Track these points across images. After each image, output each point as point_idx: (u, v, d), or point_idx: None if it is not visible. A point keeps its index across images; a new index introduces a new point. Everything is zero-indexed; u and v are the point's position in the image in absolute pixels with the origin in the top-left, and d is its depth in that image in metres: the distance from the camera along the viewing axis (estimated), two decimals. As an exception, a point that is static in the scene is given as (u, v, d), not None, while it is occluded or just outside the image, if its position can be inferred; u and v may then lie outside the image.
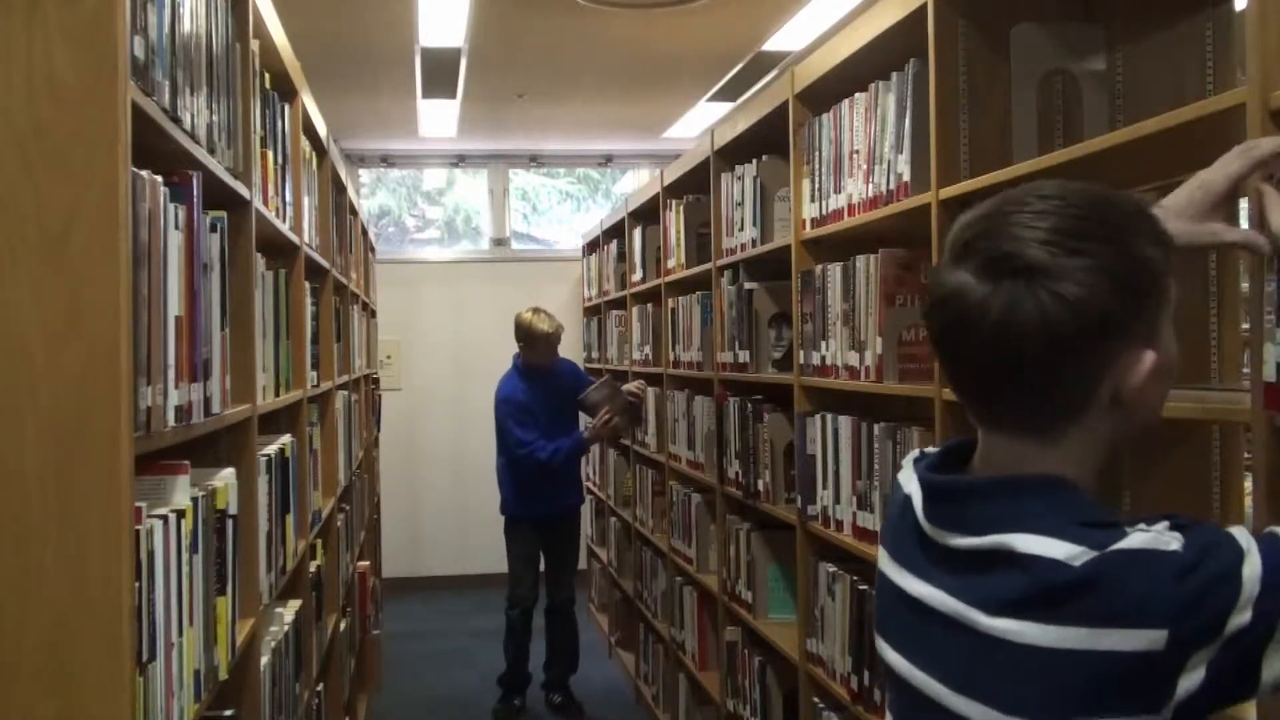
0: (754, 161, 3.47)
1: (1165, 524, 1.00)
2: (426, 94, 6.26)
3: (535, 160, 8.28)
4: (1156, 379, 1.04)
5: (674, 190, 4.67)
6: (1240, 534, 1.00)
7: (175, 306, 1.50)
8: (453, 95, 6.26)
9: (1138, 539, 0.98)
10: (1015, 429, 1.08)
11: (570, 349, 7.83)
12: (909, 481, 1.18)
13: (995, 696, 1.02)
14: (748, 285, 3.49)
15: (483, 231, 8.44)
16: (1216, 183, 1.25)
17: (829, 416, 2.83)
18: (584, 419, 5.21)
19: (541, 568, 5.36)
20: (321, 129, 3.66)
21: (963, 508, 1.08)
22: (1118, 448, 1.11)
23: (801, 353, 3.01)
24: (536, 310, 5.09)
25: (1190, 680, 0.96)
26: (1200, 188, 1.26)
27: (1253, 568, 0.96)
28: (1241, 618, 0.95)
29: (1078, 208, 1.02)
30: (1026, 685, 1.00)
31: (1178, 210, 1.25)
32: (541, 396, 5.07)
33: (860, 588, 2.64)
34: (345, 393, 4.29)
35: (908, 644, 1.14)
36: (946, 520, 1.09)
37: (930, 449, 1.24)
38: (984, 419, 1.11)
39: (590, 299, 7.20)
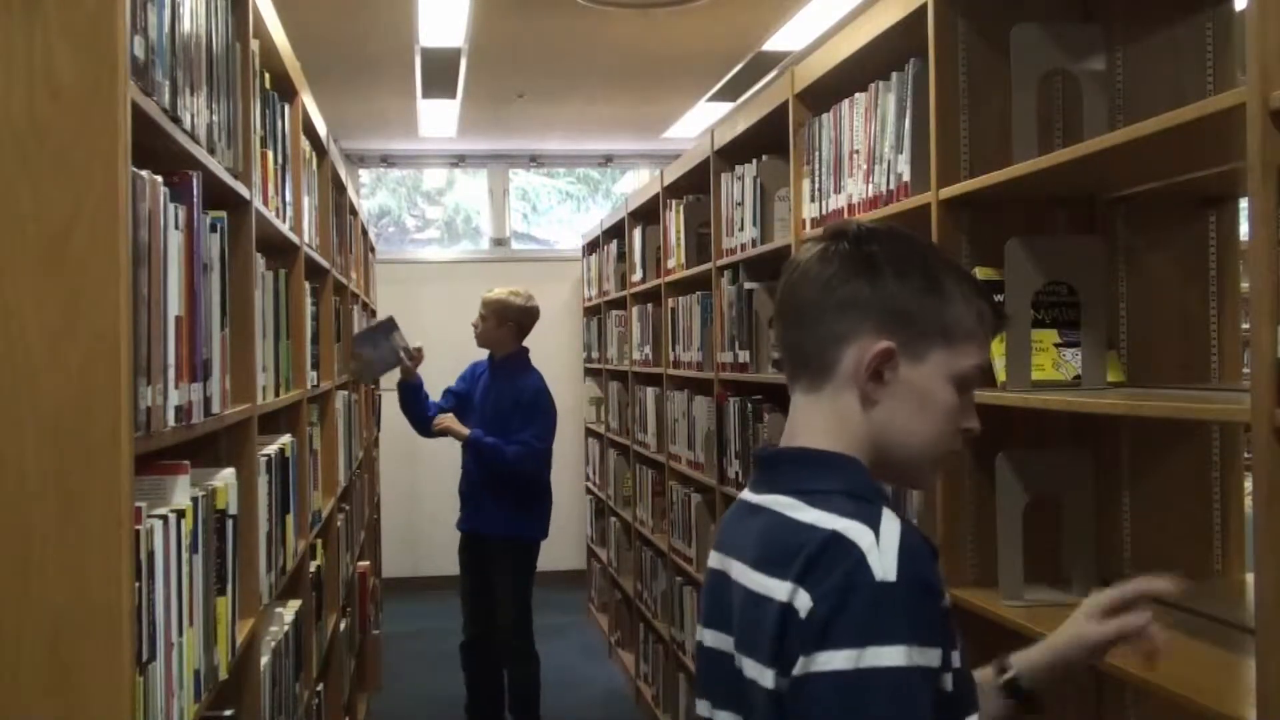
0: (754, 161, 3.47)
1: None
2: (426, 94, 6.26)
3: (535, 160, 8.28)
4: (911, 395, 1.20)
5: (674, 190, 4.67)
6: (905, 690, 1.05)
7: (175, 306, 1.50)
8: (453, 95, 6.26)
9: (867, 537, 1.10)
10: (798, 375, 1.26)
11: (570, 349, 7.87)
12: (743, 493, 1.32)
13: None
14: (748, 285, 3.48)
15: (483, 231, 8.44)
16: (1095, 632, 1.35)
17: (829, 416, 2.83)
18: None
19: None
20: (321, 129, 3.66)
21: (772, 472, 1.25)
22: (893, 476, 1.28)
23: (801, 353, 3.00)
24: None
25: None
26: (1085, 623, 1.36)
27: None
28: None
29: (896, 230, 1.28)
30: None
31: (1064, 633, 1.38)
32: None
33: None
34: (345, 393, 4.29)
35: (713, 616, 1.26)
36: (760, 483, 1.26)
37: None
38: (785, 366, 1.30)
39: (590, 299, 7.20)
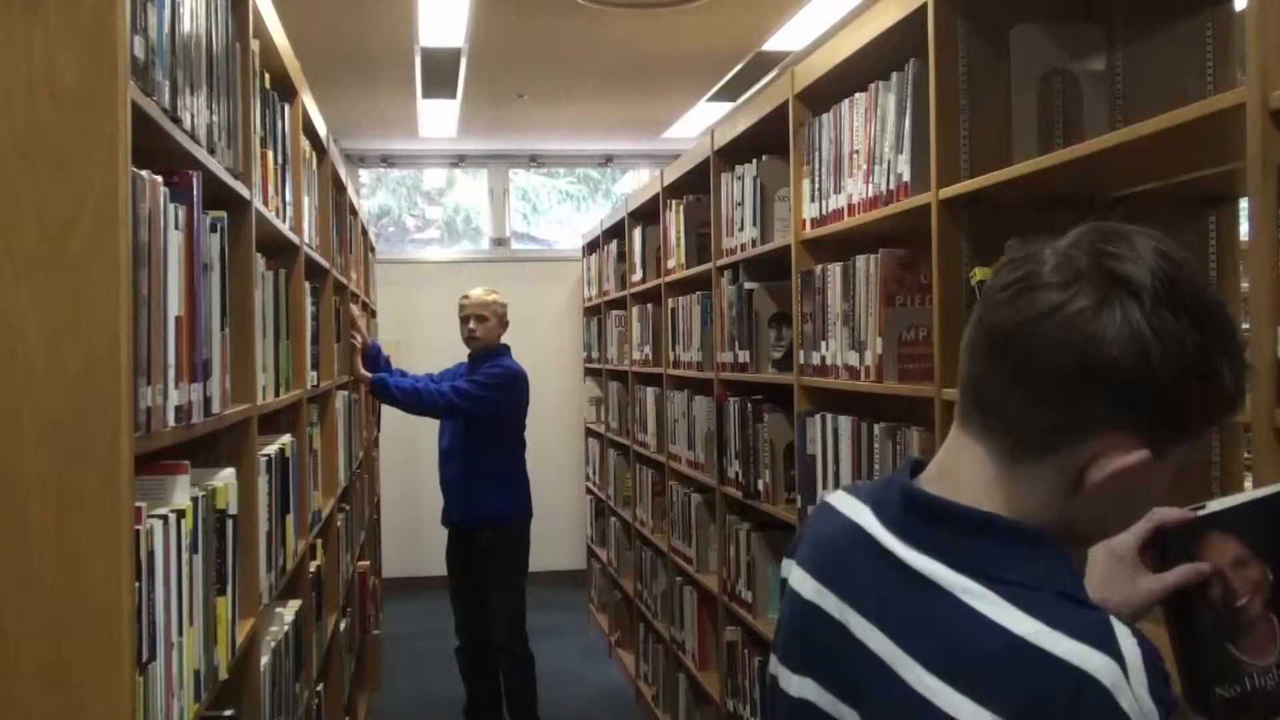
0: (754, 161, 3.47)
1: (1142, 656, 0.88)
2: (426, 94, 6.26)
3: (535, 160, 8.28)
4: (1126, 490, 0.94)
5: (674, 190, 4.67)
6: None
7: (175, 306, 1.50)
8: (453, 95, 6.26)
9: (1115, 674, 0.85)
10: (994, 430, 0.97)
11: (570, 349, 7.87)
12: (849, 505, 1.07)
13: None
14: (748, 285, 3.49)
15: (483, 231, 8.44)
16: (1125, 543, 1.15)
17: (829, 416, 2.83)
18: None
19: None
20: (321, 129, 3.66)
21: (940, 533, 0.97)
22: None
23: (801, 353, 3.01)
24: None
25: None
26: (1113, 556, 1.16)
27: None
28: None
29: (1197, 285, 0.93)
30: None
31: (1104, 583, 1.15)
32: None
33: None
34: (345, 393, 4.29)
35: (810, 662, 1.04)
36: (919, 540, 0.97)
37: (859, 483, 1.16)
38: (970, 409, 0.99)
39: (590, 299, 7.20)
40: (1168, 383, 0.90)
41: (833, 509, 1.09)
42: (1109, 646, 0.86)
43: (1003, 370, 0.95)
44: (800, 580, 1.08)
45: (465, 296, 4.73)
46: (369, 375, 4.47)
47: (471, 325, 4.68)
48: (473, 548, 4.62)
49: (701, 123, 6.97)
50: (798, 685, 1.05)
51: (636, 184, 8.15)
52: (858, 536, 1.03)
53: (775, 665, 1.12)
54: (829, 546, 1.07)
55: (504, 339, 4.77)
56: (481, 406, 4.49)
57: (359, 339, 4.50)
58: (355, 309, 4.54)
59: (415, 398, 4.46)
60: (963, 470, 0.99)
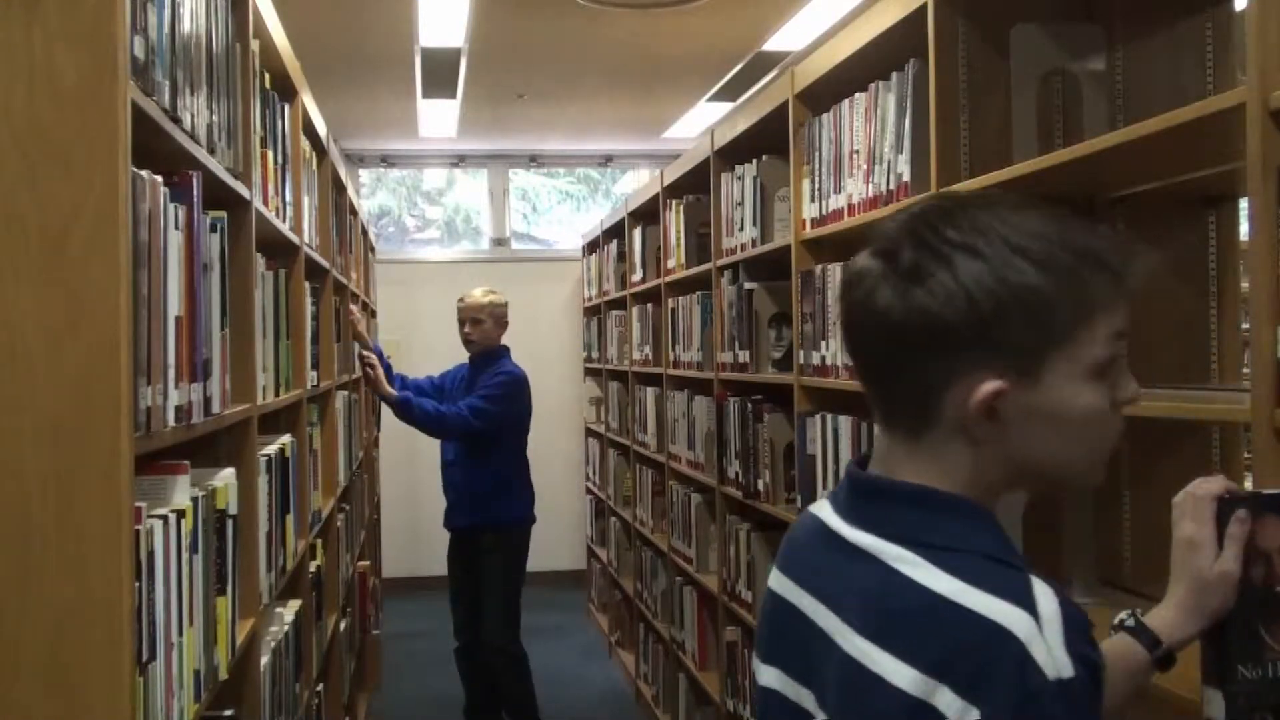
0: (754, 161, 3.47)
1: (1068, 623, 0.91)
2: (426, 94, 6.26)
3: (535, 160, 8.28)
4: (1033, 419, 0.98)
5: (674, 190, 4.67)
6: None
7: (175, 306, 1.50)
8: (453, 95, 6.26)
9: (1029, 626, 0.89)
10: (889, 422, 1.05)
11: (570, 349, 7.87)
12: (820, 508, 1.13)
13: None
14: (748, 285, 3.49)
15: (483, 231, 8.44)
16: (1186, 532, 1.16)
17: (829, 416, 2.83)
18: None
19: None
20: (321, 129, 3.66)
21: (878, 508, 1.03)
22: (1028, 495, 1.06)
23: (801, 353, 3.01)
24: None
25: None
26: (1181, 543, 1.17)
27: None
28: None
29: (988, 220, 0.98)
30: None
31: (1178, 567, 1.17)
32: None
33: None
34: (345, 393, 4.29)
35: (777, 653, 1.09)
36: (862, 518, 1.04)
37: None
38: (870, 405, 1.08)
39: (590, 299, 7.20)
40: (970, 323, 0.96)
41: (808, 512, 1.16)
42: (1025, 602, 0.90)
43: (858, 363, 1.06)
44: (775, 580, 1.14)
45: (462, 299, 4.72)
46: (395, 395, 4.46)
47: (467, 329, 4.67)
48: (474, 550, 4.62)
49: (701, 123, 6.97)
50: (765, 675, 1.11)
51: (636, 184, 8.15)
52: (816, 528, 1.10)
53: (754, 662, 1.17)
54: (797, 544, 1.14)
55: (505, 339, 4.75)
56: (495, 422, 4.50)
57: (372, 358, 4.48)
58: (355, 310, 4.49)
59: (439, 422, 4.47)
60: (897, 460, 1.04)
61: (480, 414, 4.46)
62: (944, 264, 0.97)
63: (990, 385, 0.96)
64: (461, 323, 4.68)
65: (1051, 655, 0.88)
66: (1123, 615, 1.23)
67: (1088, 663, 0.90)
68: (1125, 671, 1.17)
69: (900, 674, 0.92)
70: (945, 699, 0.89)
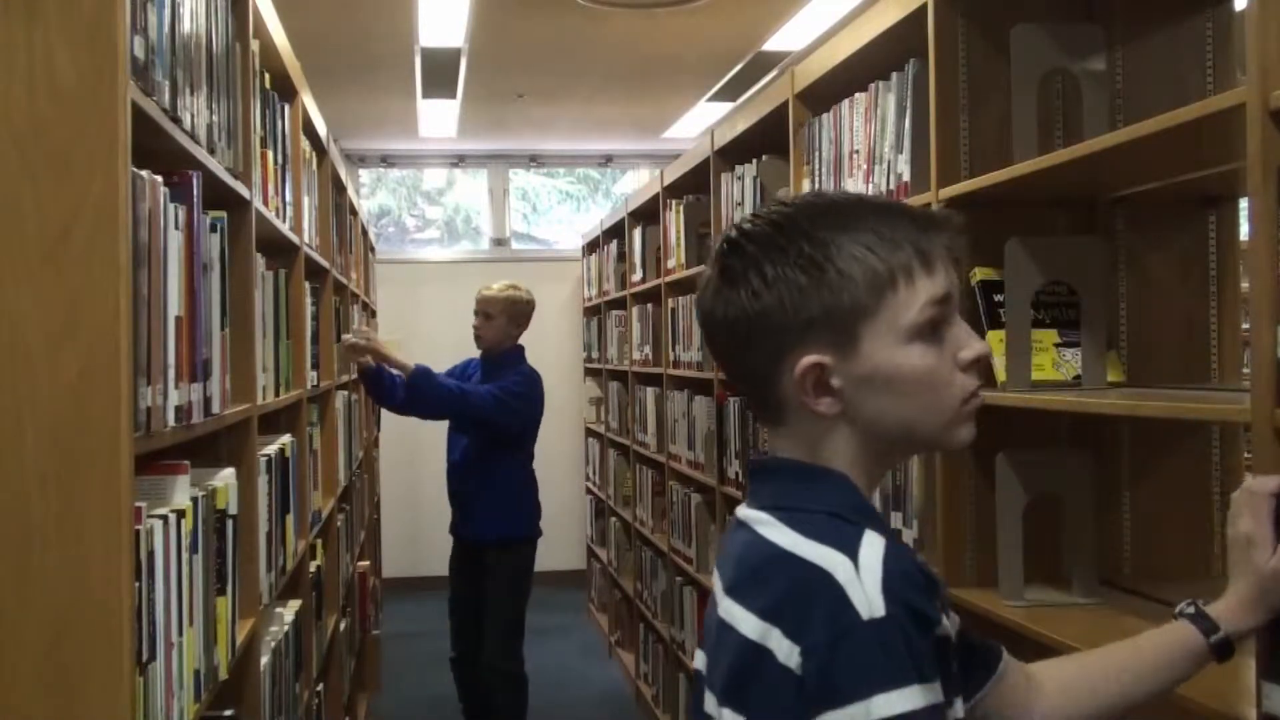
0: (754, 161, 3.47)
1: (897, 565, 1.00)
2: (426, 94, 6.26)
3: (535, 160, 8.28)
4: (870, 387, 1.06)
5: (674, 190, 4.67)
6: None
7: (175, 307, 1.50)
8: (453, 95, 6.26)
9: (847, 568, 0.98)
10: (754, 411, 1.18)
11: (570, 349, 7.87)
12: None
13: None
14: (748, 285, 3.48)
15: (483, 231, 8.44)
16: (1240, 529, 1.21)
17: (829, 416, 2.83)
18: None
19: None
20: (321, 129, 3.66)
21: (761, 483, 1.14)
22: (920, 450, 1.16)
23: (801, 353, 3.00)
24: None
25: None
26: (1238, 540, 1.22)
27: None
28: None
29: (784, 213, 1.09)
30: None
31: (1235, 567, 1.22)
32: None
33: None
34: (345, 393, 4.29)
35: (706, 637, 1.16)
36: (751, 495, 1.14)
37: None
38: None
39: (590, 299, 7.20)
40: (779, 310, 1.05)
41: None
42: (849, 549, 0.99)
43: (719, 365, 1.17)
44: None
45: (480, 291, 4.43)
46: (411, 366, 4.06)
47: (476, 323, 4.40)
48: (479, 563, 4.38)
49: (701, 123, 6.97)
50: (697, 660, 1.18)
51: (636, 184, 8.15)
52: (732, 520, 1.18)
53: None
54: (724, 537, 1.23)
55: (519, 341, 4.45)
56: (516, 419, 4.24)
57: (368, 355, 4.10)
58: (368, 332, 4.28)
59: (462, 400, 4.10)
60: (771, 443, 1.15)
61: (504, 403, 4.15)
62: (746, 261, 1.08)
63: (806, 360, 1.05)
64: (475, 315, 4.41)
65: (867, 596, 0.95)
66: (1183, 604, 1.26)
67: (909, 608, 0.96)
68: (1181, 654, 1.23)
69: (746, 622, 1.01)
70: (775, 639, 0.97)
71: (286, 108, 2.80)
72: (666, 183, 4.73)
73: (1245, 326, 1.93)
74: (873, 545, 0.99)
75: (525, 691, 4.40)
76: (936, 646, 0.97)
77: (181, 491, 1.54)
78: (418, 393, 4.07)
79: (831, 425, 1.08)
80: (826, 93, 2.85)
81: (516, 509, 4.38)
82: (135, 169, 1.33)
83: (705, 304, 1.13)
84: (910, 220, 1.08)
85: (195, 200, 1.58)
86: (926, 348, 1.06)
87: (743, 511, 1.13)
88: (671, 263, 4.68)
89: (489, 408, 4.13)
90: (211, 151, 1.77)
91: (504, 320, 4.36)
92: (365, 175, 8.38)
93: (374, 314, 6.59)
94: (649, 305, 5.22)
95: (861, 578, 0.96)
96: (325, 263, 3.57)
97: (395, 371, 4.16)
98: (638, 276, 5.42)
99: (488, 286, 4.43)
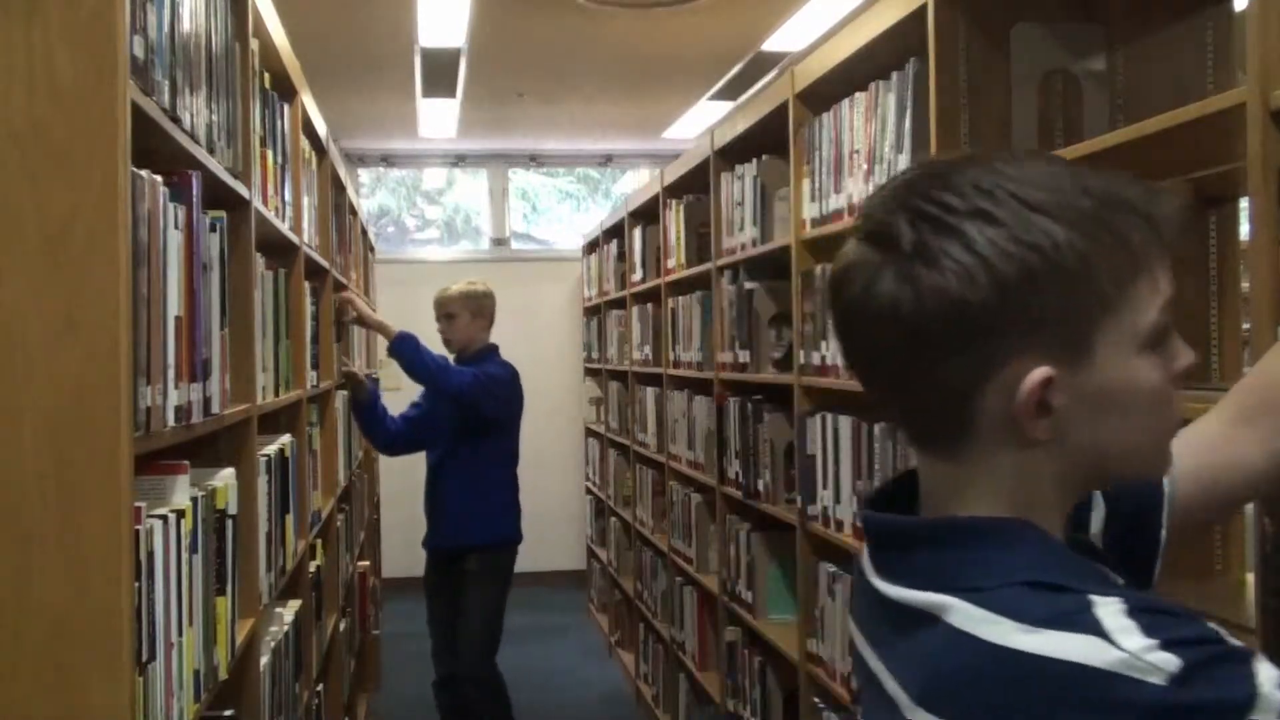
0: (754, 161, 3.47)
1: (1136, 616, 0.74)
2: (426, 94, 6.26)
3: (535, 160, 8.28)
4: (1092, 406, 0.82)
5: (674, 190, 4.67)
6: (1265, 674, 0.72)
7: (175, 306, 1.50)
8: (453, 95, 6.26)
9: (1102, 650, 0.73)
10: (919, 441, 0.89)
11: (570, 349, 7.87)
12: (862, 555, 0.96)
13: None
14: (748, 285, 3.48)
15: (483, 231, 8.44)
16: None
17: (829, 416, 2.83)
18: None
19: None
20: (321, 129, 3.66)
21: (907, 556, 0.87)
22: (1118, 480, 0.90)
23: (801, 353, 3.01)
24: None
25: None
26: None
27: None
28: None
29: (991, 179, 0.82)
30: None
31: None
32: None
33: (860, 588, 2.63)
34: (345, 393, 4.29)
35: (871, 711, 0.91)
36: (891, 569, 0.88)
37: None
38: (899, 428, 0.91)
39: (590, 299, 7.20)
40: (998, 300, 0.79)
41: (859, 556, 0.99)
42: (1088, 623, 0.74)
43: (864, 374, 0.89)
44: (852, 626, 0.98)
45: (436, 296, 4.32)
46: (394, 330, 4.03)
47: (440, 326, 4.28)
48: (456, 573, 4.21)
49: (701, 123, 6.97)
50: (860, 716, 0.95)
51: (636, 184, 8.15)
52: (863, 580, 0.93)
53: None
54: (857, 590, 0.96)
55: (503, 339, 4.38)
56: (494, 403, 4.08)
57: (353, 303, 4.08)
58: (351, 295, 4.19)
59: (443, 371, 4.00)
60: (937, 488, 0.89)
61: (484, 385, 4.02)
62: (953, 236, 0.80)
63: (1039, 372, 0.80)
64: (437, 321, 4.31)
65: (1149, 662, 0.71)
66: None
67: (1195, 642, 0.73)
68: None
69: None
70: None
71: (286, 107, 2.80)
72: (666, 183, 4.74)
73: (1245, 326, 1.93)
74: (1110, 608, 0.75)
75: (507, 699, 4.24)
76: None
77: (181, 491, 1.54)
78: (399, 357, 4.01)
79: (1032, 455, 0.83)
80: (826, 92, 2.85)
81: (496, 513, 4.23)
82: (135, 169, 1.33)
83: (881, 292, 0.82)
84: (1140, 192, 0.84)
85: (195, 200, 1.58)
86: (1155, 359, 0.85)
87: (891, 591, 0.86)
88: (671, 263, 4.68)
89: (468, 384, 4.01)
90: (211, 151, 1.77)
91: (467, 317, 4.26)
92: (365, 175, 8.38)
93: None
94: (649, 305, 5.22)
95: (1126, 647, 0.72)
96: (325, 263, 3.57)
97: (388, 409, 4.22)
98: (638, 276, 5.42)
99: (443, 289, 4.31)
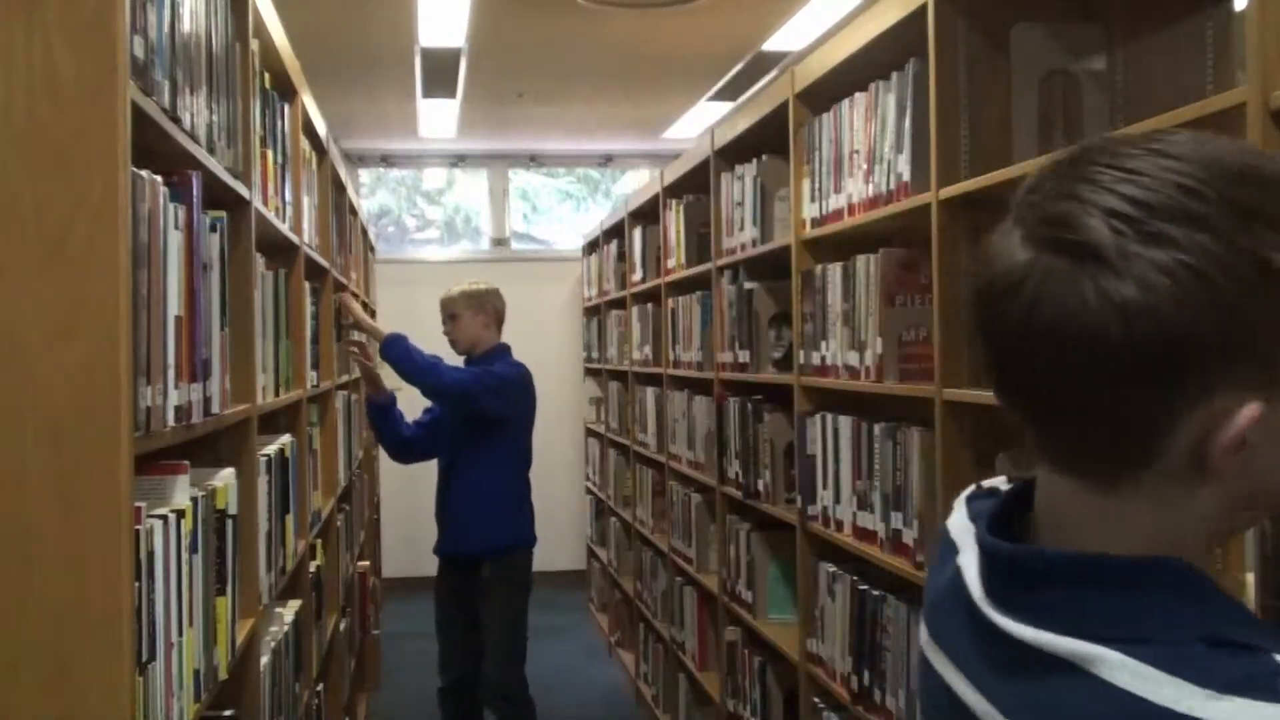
0: (754, 161, 3.47)
1: None
2: (426, 94, 6.26)
3: (535, 160, 8.28)
4: (1272, 440, 0.70)
5: (674, 190, 4.67)
6: None
7: (175, 306, 1.50)
8: (453, 95, 6.26)
9: None
10: (1072, 467, 0.76)
11: (570, 349, 7.87)
12: (963, 539, 0.84)
13: None
14: (748, 285, 3.48)
15: (483, 231, 8.44)
16: None
17: (829, 416, 2.83)
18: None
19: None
20: (321, 129, 3.67)
21: (1035, 592, 0.74)
22: (1236, 527, 0.79)
23: (801, 353, 3.01)
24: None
25: None
26: None
27: None
28: None
29: (1190, 173, 0.69)
30: None
31: None
32: None
33: (860, 588, 2.64)
34: (345, 393, 4.29)
35: None
36: (1013, 604, 0.75)
37: (991, 483, 0.90)
38: (1034, 441, 0.78)
39: (590, 299, 7.20)
40: (1214, 324, 0.67)
41: (949, 562, 0.85)
42: (1277, 688, 0.64)
43: (1019, 403, 0.77)
44: (927, 644, 0.88)
45: (440, 299, 4.23)
46: (384, 333, 3.94)
47: (446, 328, 4.18)
48: (471, 581, 4.07)
49: (701, 123, 6.97)
50: None
51: (636, 184, 8.15)
52: (960, 594, 0.81)
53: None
54: (940, 608, 0.86)
55: (505, 338, 4.26)
56: (497, 399, 3.93)
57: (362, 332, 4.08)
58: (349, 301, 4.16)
59: (434, 370, 3.87)
60: (1066, 511, 0.77)
61: (485, 382, 3.91)
62: (1160, 245, 0.67)
63: (1252, 409, 0.68)
64: (442, 324, 4.21)
65: None
66: None
67: None
68: None
69: None
70: None
71: (286, 107, 2.80)
72: (666, 183, 4.74)
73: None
74: None
75: (534, 712, 4.07)
76: None
77: (181, 491, 1.54)
78: (390, 359, 3.91)
79: (1205, 491, 0.72)
80: (826, 92, 2.85)
81: (510, 517, 4.09)
82: (135, 169, 1.33)
83: (1062, 306, 0.69)
84: None
85: (195, 200, 1.58)
86: None
87: (1019, 631, 0.73)
88: (671, 263, 4.68)
89: (463, 380, 3.90)
90: (211, 151, 1.77)
91: (470, 315, 4.15)
92: (365, 175, 8.38)
93: (374, 314, 6.58)
94: (649, 305, 5.22)
95: None
96: (325, 263, 3.57)
97: (405, 414, 4.18)
98: (638, 276, 5.42)
99: (446, 291, 4.22)
